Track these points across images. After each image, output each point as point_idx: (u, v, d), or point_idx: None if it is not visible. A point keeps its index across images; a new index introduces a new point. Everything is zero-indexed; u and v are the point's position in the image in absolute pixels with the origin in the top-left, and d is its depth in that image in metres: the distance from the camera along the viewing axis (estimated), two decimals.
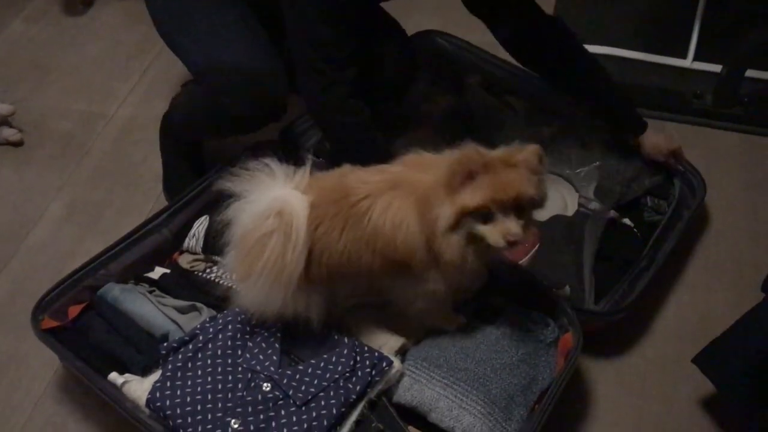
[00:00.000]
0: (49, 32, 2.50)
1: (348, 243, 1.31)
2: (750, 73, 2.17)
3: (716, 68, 2.22)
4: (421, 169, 1.32)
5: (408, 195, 1.30)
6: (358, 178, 1.34)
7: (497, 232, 1.25)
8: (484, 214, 1.25)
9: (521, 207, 1.26)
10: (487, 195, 1.23)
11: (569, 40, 1.85)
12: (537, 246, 1.77)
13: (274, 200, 1.27)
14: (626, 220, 1.87)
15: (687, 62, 2.30)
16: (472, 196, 1.24)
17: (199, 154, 1.94)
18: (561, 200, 1.91)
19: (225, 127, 1.78)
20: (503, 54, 2.14)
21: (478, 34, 2.08)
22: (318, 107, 1.65)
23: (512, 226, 1.25)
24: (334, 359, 1.37)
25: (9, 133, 2.11)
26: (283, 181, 1.31)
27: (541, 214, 1.85)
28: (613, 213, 1.88)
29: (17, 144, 2.12)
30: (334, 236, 1.31)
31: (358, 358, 1.38)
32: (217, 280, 1.61)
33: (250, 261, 1.28)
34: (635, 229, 1.85)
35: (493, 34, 1.85)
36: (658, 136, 1.92)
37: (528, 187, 1.25)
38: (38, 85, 2.31)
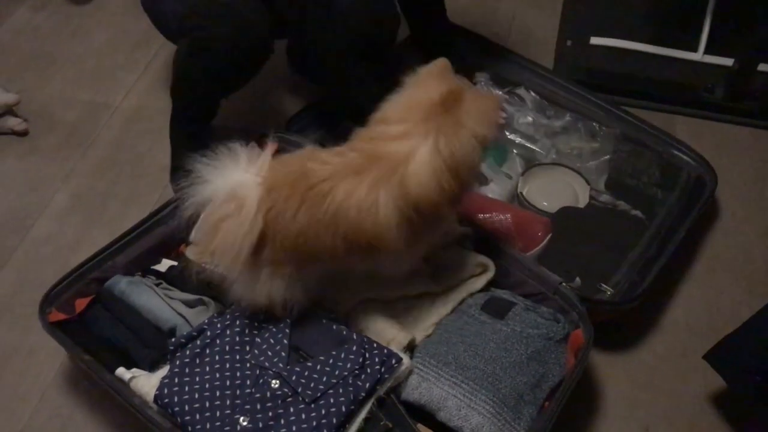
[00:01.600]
0: (54, 21, 2.48)
1: (304, 225, 1.29)
2: (762, 66, 2.16)
3: (728, 62, 2.20)
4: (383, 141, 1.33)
5: (380, 179, 1.29)
6: (319, 159, 1.34)
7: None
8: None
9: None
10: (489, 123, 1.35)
11: None
12: (547, 238, 1.77)
13: (232, 185, 1.29)
14: (637, 212, 1.87)
15: (698, 56, 2.28)
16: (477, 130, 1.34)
17: (208, 145, 1.91)
18: (572, 192, 1.90)
19: (212, 76, 1.75)
20: (511, 46, 2.13)
21: (485, 28, 2.07)
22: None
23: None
24: (343, 356, 1.36)
25: (14, 123, 2.10)
26: (244, 165, 1.31)
27: (552, 206, 1.85)
28: (624, 205, 1.87)
29: (22, 134, 2.11)
30: (288, 218, 1.29)
31: (367, 355, 1.37)
32: (224, 272, 1.60)
33: (209, 242, 1.32)
34: (646, 221, 1.85)
35: None
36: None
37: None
38: (43, 75, 2.29)
